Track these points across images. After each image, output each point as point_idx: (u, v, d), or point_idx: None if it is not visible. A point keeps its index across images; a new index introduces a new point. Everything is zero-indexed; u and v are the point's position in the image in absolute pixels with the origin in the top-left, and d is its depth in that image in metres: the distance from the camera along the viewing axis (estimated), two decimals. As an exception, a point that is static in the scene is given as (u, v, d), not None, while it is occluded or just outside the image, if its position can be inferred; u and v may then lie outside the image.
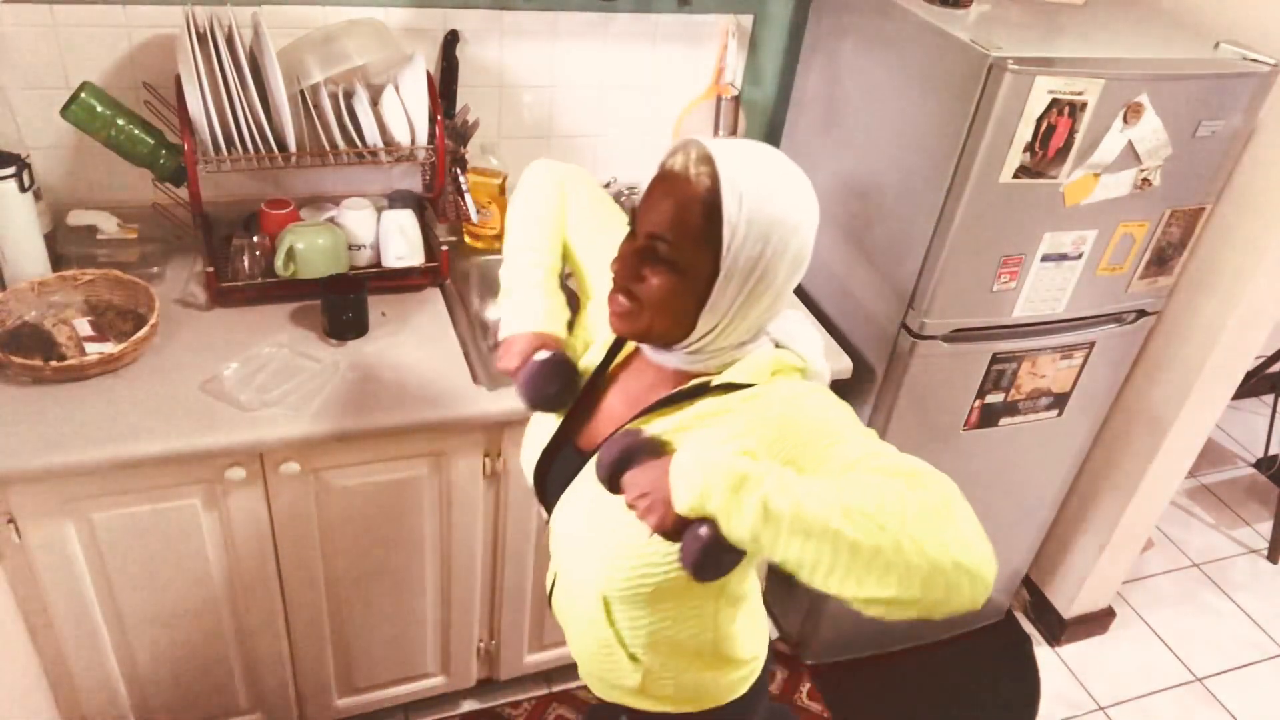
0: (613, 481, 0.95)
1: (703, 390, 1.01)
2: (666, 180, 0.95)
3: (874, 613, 0.82)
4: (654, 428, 1.02)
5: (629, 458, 0.94)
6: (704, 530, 0.87)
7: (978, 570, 0.79)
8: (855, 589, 0.80)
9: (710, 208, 0.91)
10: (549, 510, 1.16)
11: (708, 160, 0.92)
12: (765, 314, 0.99)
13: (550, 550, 1.26)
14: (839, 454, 0.89)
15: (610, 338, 1.15)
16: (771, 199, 0.92)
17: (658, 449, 0.95)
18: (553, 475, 1.14)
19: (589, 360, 1.16)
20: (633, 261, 0.97)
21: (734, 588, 1.12)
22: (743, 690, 1.24)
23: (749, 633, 1.21)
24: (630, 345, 1.14)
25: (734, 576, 1.07)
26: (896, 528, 0.79)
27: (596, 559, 1.07)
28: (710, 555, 0.88)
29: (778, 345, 1.04)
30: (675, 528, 0.89)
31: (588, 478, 1.07)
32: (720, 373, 1.01)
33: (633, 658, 1.14)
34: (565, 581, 1.21)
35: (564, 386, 1.12)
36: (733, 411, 0.98)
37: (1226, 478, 3.26)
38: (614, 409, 1.11)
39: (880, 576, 0.79)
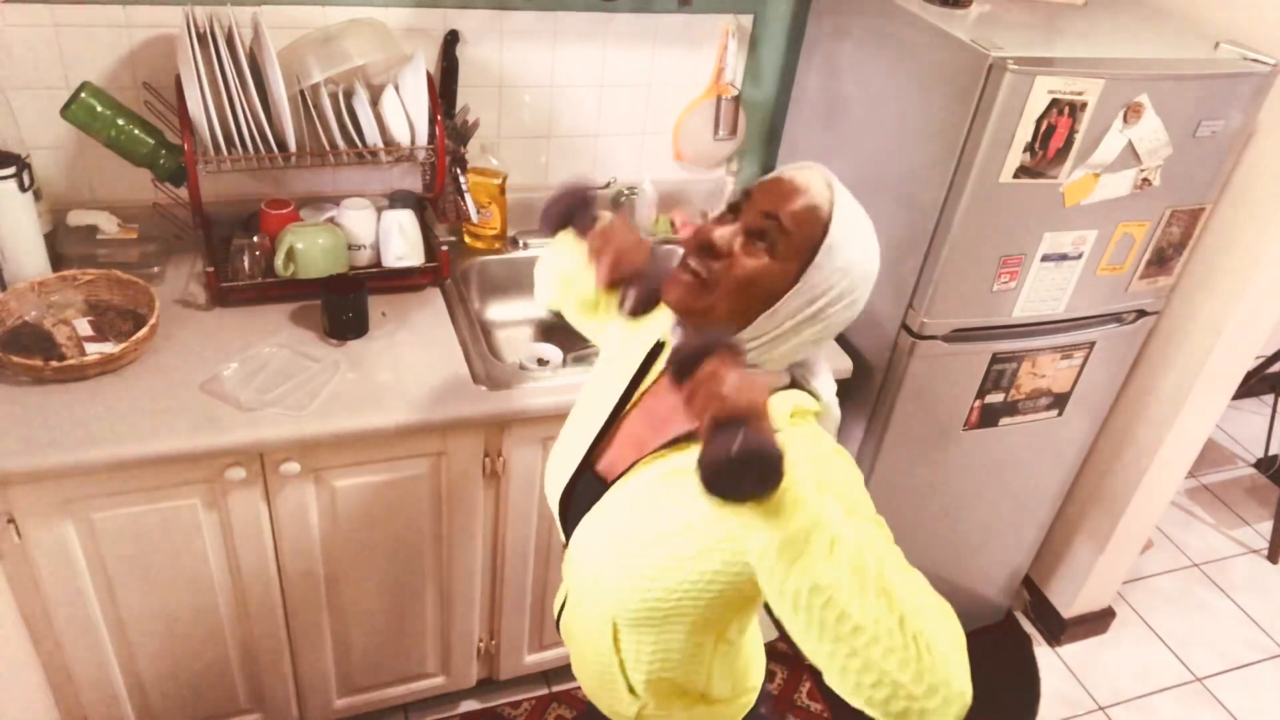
0: (685, 366, 0.86)
1: None
2: (791, 183, 0.98)
3: (859, 695, 0.80)
4: (672, 463, 1.03)
5: (709, 348, 0.86)
6: (742, 435, 0.77)
7: (960, 705, 0.79)
8: (861, 657, 0.79)
9: (823, 225, 0.96)
10: (567, 534, 1.17)
11: (830, 187, 0.98)
12: (803, 348, 1.01)
13: (563, 572, 1.27)
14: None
15: (636, 365, 1.15)
16: (864, 246, 0.98)
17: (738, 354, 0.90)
18: (574, 500, 1.15)
19: (613, 388, 1.16)
20: (731, 234, 0.98)
21: (733, 634, 1.13)
22: (737, 717, 1.24)
23: (744, 672, 1.22)
24: (652, 375, 1.14)
25: (733, 624, 1.09)
26: (930, 634, 0.80)
27: (610, 583, 1.08)
28: (735, 464, 0.77)
29: (793, 382, 1.05)
30: (716, 423, 0.80)
31: (608, 504, 1.09)
32: None
33: (631, 690, 1.16)
34: (576, 604, 1.22)
35: (585, 205, 1.18)
36: None
37: (1226, 478, 3.26)
38: (637, 432, 1.12)
39: (891, 655, 0.78)
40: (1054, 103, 1.56)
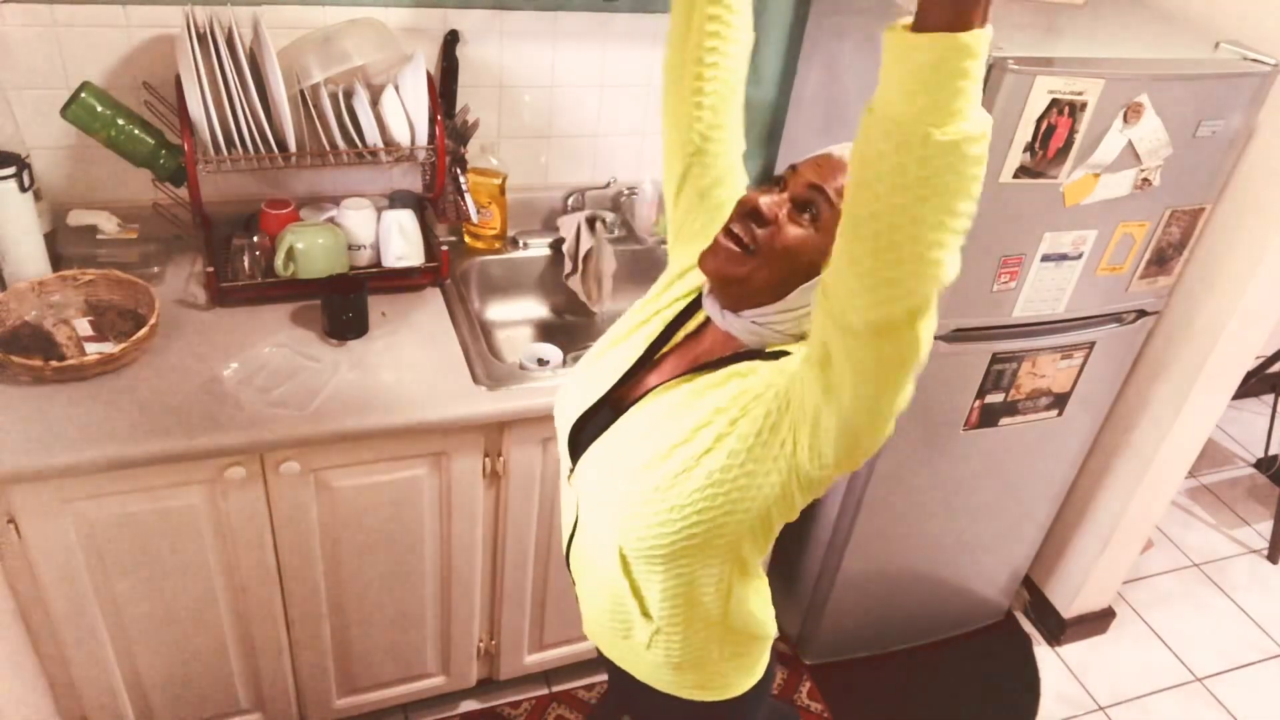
0: None
1: (742, 357, 1.04)
2: (837, 159, 0.98)
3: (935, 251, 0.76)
4: (693, 384, 1.04)
5: None
6: None
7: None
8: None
9: None
10: (575, 460, 1.15)
11: None
12: None
13: (566, 502, 1.25)
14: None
15: (675, 313, 1.15)
16: None
17: None
18: (586, 430, 1.14)
19: (646, 333, 1.16)
20: (777, 202, 0.99)
21: (747, 554, 1.10)
22: (746, 685, 1.24)
23: (757, 614, 1.20)
24: (689, 326, 1.14)
25: (746, 544, 1.06)
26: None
27: (617, 513, 1.07)
28: None
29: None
30: None
31: (621, 427, 1.08)
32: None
33: (645, 612, 1.14)
34: (584, 533, 1.20)
35: None
36: (757, 372, 1.00)
37: (1226, 478, 3.26)
38: (665, 370, 1.12)
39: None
40: (1054, 103, 1.56)
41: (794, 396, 0.92)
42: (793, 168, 1.02)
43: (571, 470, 1.16)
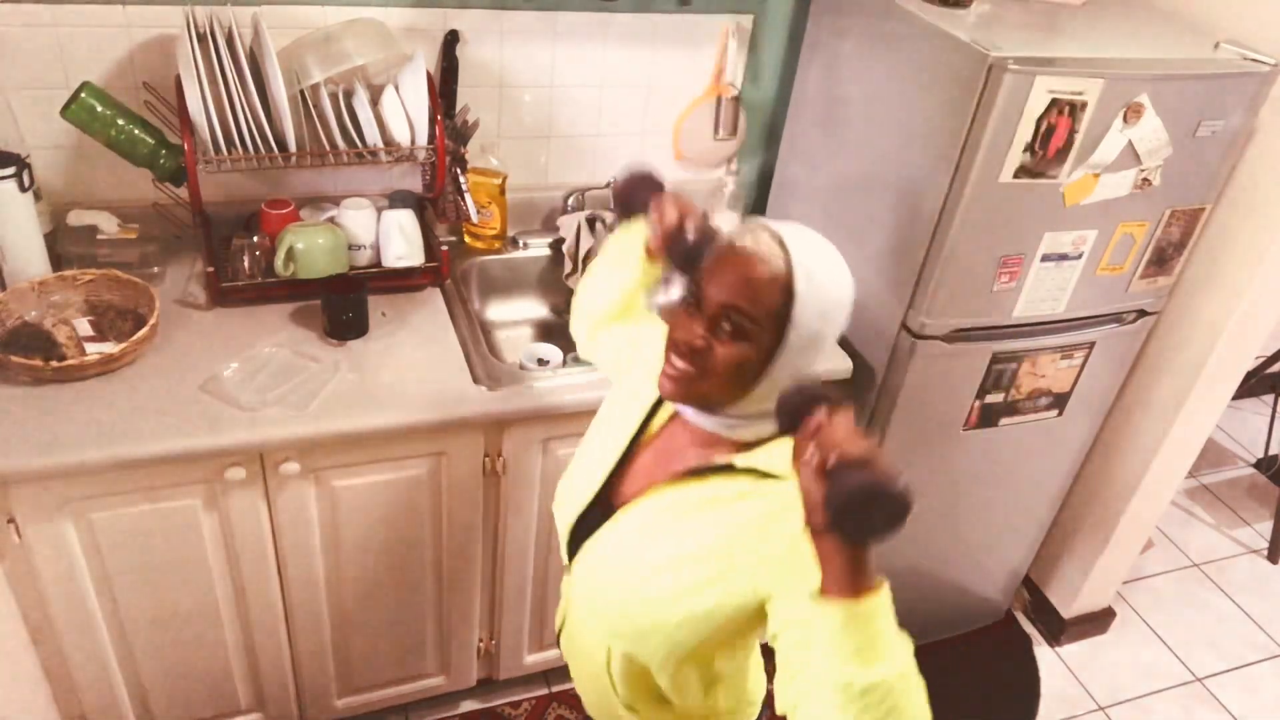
0: (793, 417, 0.89)
1: (728, 468, 1.05)
2: (739, 257, 0.99)
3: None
4: (683, 494, 1.06)
5: (815, 399, 0.89)
6: (872, 473, 0.79)
7: None
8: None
9: (785, 286, 0.97)
10: (571, 555, 1.19)
11: (780, 243, 0.99)
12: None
13: (562, 591, 1.30)
14: (801, 603, 0.89)
15: (650, 402, 1.18)
16: (831, 280, 1.00)
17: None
18: (583, 525, 1.17)
19: (626, 426, 1.19)
20: (699, 330, 1.00)
21: (720, 666, 1.14)
22: None
23: (748, 689, 1.24)
24: (667, 410, 1.17)
25: (720, 657, 1.11)
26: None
27: (605, 611, 1.12)
28: (868, 499, 0.79)
29: None
30: (841, 465, 0.82)
31: (615, 528, 1.11)
32: (745, 446, 1.06)
33: (630, 707, 1.18)
34: (574, 625, 1.25)
35: (655, 185, 1.23)
36: (757, 496, 1.02)
37: (1226, 478, 3.26)
38: (647, 467, 1.15)
39: None
40: (1054, 103, 1.56)
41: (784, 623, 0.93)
42: (699, 285, 1.03)
43: (567, 565, 1.20)
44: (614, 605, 1.11)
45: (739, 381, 1.01)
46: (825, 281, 0.99)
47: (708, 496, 1.05)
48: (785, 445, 1.02)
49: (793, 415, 0.89)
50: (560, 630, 1.32)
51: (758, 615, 0.99)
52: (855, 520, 0.80)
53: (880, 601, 0.82)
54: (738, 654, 1.16)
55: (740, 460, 1.04)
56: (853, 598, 0.81)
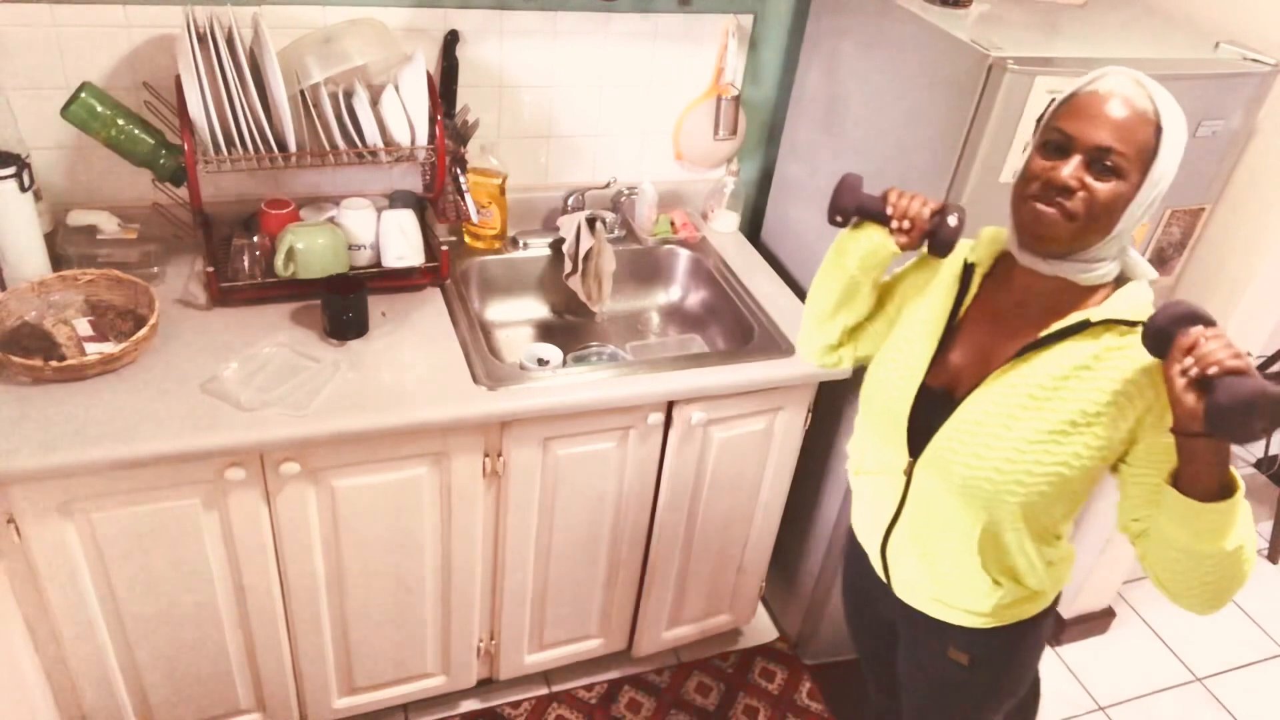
0: (1162, 337, 0.99)
1: (1083, 326, 1.13)
2: (1108, 100, 1.05)
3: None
4: (1035, 371, 1.14)
5: (1183, 317, 0.98)
6: (1255, 383, 0.90)
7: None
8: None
9: (1155, 125, 1.05)
10: (913, 448, 1.25)
11: (1141, 84, 1.07)
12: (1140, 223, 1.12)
13: (884, 492, 1.33)
14: (1162, 456, 1.09)
15: (954, 291, 1.25)
16: (1181, 120, 1.08)
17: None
18: (915, 419, 1.24)
19: (935, 318, 1.25)
20: (1074, 172, 1.06)
21: (1061, 524, 1.26)
22: (1035, 611, 1.33)
23: (1069, 550, 1.32)
24: (975, 286, 1.24)
25: (1061, 511, 1.22)
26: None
27: (975, 490, 1.18)
28: (1255, 406, 0.90)
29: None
30: (1225, 371, 0.93)
31: (970, 412, 1.18)
32: (1084, 296, 1.14)
33: (996, 581, 1.25)
34: (925, 514, 1.28)
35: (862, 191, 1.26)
36: (1120, 354, 1.11)
37: (1226, 478, 3.25)
38: (979, 342, 1.21)
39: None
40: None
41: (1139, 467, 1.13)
42: (1059, 129, 1.07)
43: (912, 460, 1.25)
44: (984, 484, 1.16)
45: (1109, 219, 1.06)
46: (1180, 119, 1.07)
47: (1065, 369, 1.12)
48: (1129, 295, 1.13)
49: (1158, 335, 0.98)
50: (887, 538, 1.34)
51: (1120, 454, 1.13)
52: (1242, 423, 0.90)
53: (1235, 501, 1.00)
54: (1076, 509, 1.24)
55: (1095, 314, 1.11)
56: (1215, 500, 0.99)
